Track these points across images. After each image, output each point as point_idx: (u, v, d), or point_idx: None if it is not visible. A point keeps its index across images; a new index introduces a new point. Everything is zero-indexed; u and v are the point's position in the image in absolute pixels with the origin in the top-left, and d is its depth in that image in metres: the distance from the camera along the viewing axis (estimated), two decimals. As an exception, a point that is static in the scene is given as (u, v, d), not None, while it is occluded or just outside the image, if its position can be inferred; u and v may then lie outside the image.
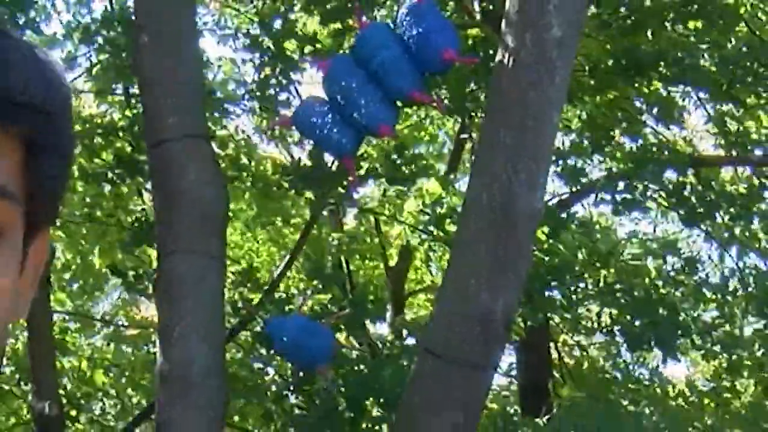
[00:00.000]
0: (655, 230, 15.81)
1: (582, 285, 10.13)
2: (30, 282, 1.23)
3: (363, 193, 12.66)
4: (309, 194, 10.95)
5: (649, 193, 11.10)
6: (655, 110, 11.36)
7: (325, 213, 11.90)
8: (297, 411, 9.88)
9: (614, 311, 10.11)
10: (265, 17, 10.85)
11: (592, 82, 10.64)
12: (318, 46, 10.69)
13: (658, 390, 12.21)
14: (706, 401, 12.69)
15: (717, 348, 11.23)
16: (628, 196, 10.59)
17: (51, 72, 1.15)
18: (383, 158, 10.49)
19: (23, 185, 1.14)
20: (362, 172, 10.10)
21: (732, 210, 11.06)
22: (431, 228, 10.50)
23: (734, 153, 12.10)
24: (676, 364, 11.95)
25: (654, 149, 11.06)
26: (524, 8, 6.79)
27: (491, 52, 8.84)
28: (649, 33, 10.72)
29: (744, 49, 10.86)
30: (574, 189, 11.09)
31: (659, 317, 9.54)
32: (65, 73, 1.20)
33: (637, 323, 9.60)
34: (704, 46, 10.87)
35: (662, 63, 10.39)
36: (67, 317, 13.52)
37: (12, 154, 1.12)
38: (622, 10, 10.51)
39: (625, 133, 11.58)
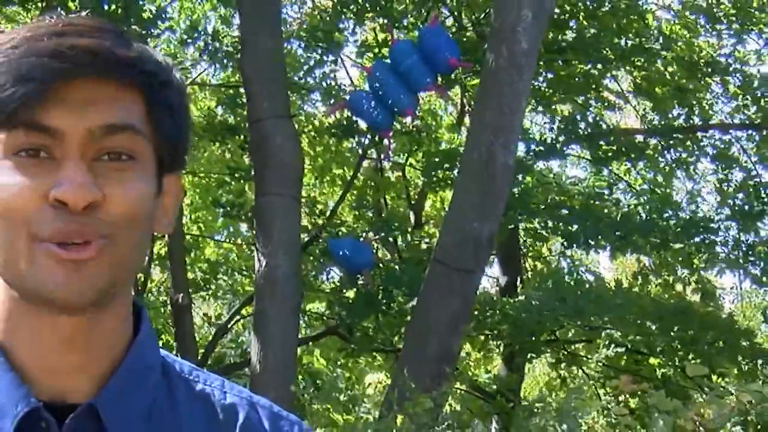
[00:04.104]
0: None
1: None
2: (170, 209, 1.20)
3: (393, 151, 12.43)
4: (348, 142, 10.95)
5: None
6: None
7: (366, 163, 11.74)
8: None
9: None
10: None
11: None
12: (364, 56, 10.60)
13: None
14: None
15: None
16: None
17: (162, 60, 1.15)
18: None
19: (149, 129, 1.11)
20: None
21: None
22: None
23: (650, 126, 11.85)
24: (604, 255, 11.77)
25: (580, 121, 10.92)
26: (501, 28, 6.90)
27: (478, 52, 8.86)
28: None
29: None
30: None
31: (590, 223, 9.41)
32: (175, 67, 1.18)
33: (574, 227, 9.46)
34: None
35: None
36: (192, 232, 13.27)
37: (137, 104, 1.10)
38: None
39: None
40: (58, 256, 1.05)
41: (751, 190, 10.39)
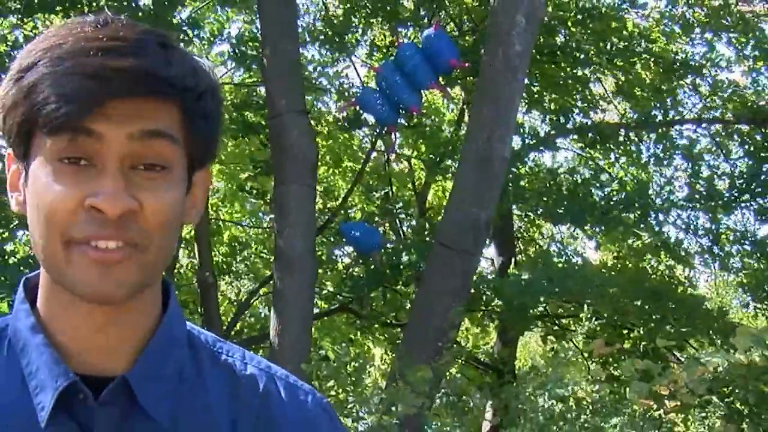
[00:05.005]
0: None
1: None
2: (199, 200, 1.21)
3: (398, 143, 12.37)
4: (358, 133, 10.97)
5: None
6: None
7: (374, 155, 11.75)
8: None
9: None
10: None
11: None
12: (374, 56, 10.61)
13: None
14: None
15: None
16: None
17: (200, 68, 1.14)
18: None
19: (183, 136, 1.12)
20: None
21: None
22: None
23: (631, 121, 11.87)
24: (590, 240, 11.79)
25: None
26: (497, 33, 6.97)
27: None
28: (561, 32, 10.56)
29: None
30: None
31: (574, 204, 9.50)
32: (213, 70, 1.18)
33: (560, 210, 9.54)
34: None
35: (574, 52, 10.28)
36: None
37: (173, 116, 1.10)
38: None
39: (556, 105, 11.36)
40: (89, 256, 1.07)
41: (717, 181, 10.47)
